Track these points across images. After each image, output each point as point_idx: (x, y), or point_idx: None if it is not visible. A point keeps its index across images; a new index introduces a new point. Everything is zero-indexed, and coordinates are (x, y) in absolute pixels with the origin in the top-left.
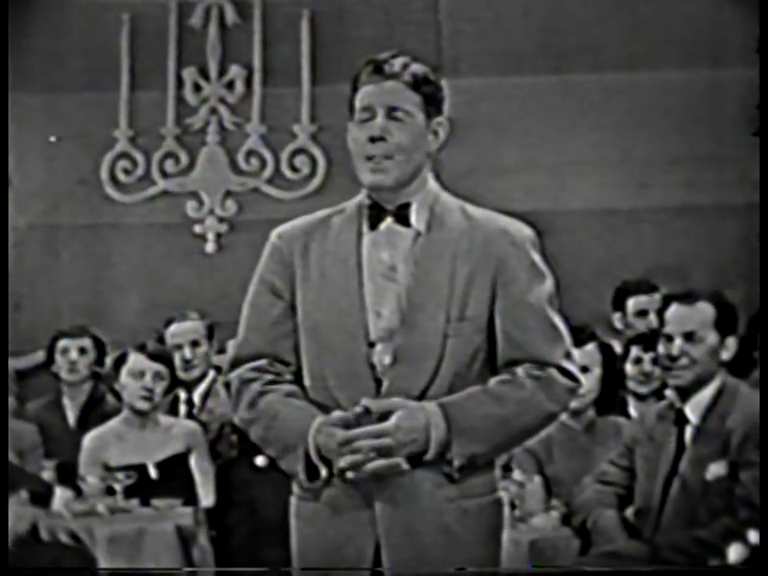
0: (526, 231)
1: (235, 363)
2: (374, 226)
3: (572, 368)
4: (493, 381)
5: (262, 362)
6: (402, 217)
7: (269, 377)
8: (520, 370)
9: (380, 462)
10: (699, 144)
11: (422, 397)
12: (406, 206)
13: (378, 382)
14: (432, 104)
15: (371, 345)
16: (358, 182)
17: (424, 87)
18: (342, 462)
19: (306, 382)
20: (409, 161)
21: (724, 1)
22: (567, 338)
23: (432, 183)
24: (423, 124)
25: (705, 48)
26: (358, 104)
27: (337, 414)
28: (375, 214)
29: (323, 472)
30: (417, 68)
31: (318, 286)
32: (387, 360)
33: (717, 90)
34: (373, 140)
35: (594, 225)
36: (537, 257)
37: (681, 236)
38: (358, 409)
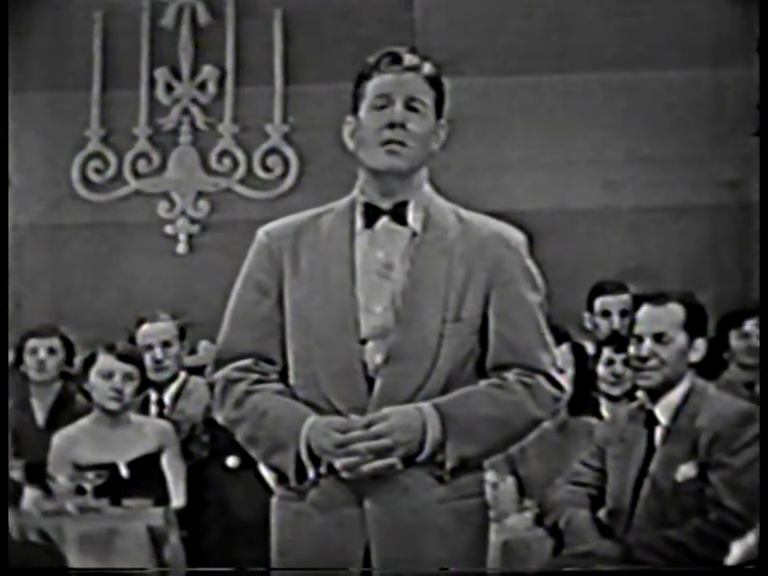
0: (519, 236)
1: (219, 363)
2: (369, 224)
3: (559, 377)
4: (484, 383)
5: (248, 362)
6: (399, 215)
7: (255, 376)
8: (511, 375)
9: (377, 464)
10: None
11: (414, 397)
12: (403, 204)
13: (370, 381)
14: (441, 103)
15: (363, 342)
16: (370, 167)
17: (438, 85)
18: (338, 464)
19: (292, 380)
20: (421, 151)
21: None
22: (553, 346)
23: (426, 186)
24: (433, 120)
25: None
26: (371, 92)
27: (334, 418)
28: (371, 212)
29: (311, 473)
30: (431, 66)
31: (309, 283)
32: (379, 358)
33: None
34: (392, 125)
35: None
36: (530, 262)
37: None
38: (354, 417)
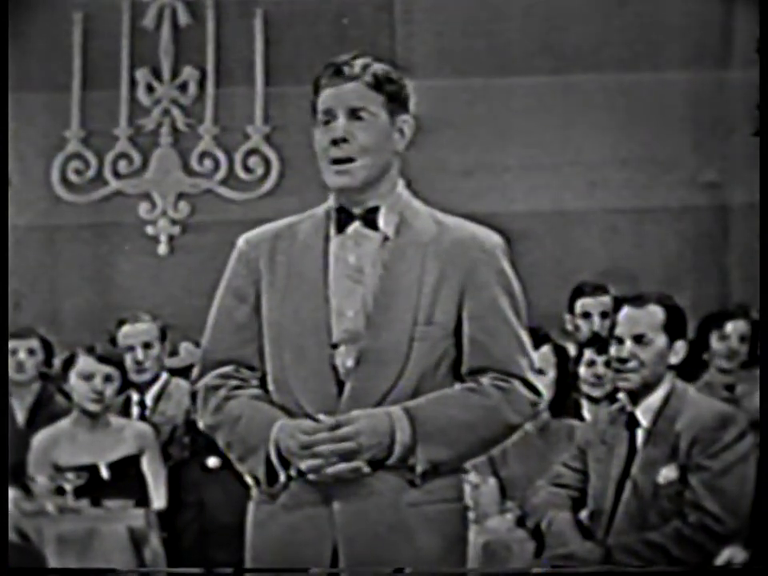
0: (496, 239)
1: (202, 372)
2: (341, 229)
3: (536, 382)
4: (458, 387)
5: (228, 369)
6: (370, 220)
7: (234, 383)
8: (485, 380)
9: (341, 466)
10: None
11: (384, 400)
12: (374, 209)
13: (341, 385)
14: (396, 102)
15: (334, 346)
16: (324, 184)
17: (386, 86)
18: (304, 466)
19: (270, 385)
20: (374, 161)
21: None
22: (531, 350)
23: (402, 188)
24: (387, 123)
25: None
26: (319, 107)
27: (303, 421)
28: (343, 217)
29: (282, 476)
30: (378, 68)
31: (284, 288)
32: (350, 362)
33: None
34: (335, 142)
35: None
36: (506, 265)
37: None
38: (322, 416)
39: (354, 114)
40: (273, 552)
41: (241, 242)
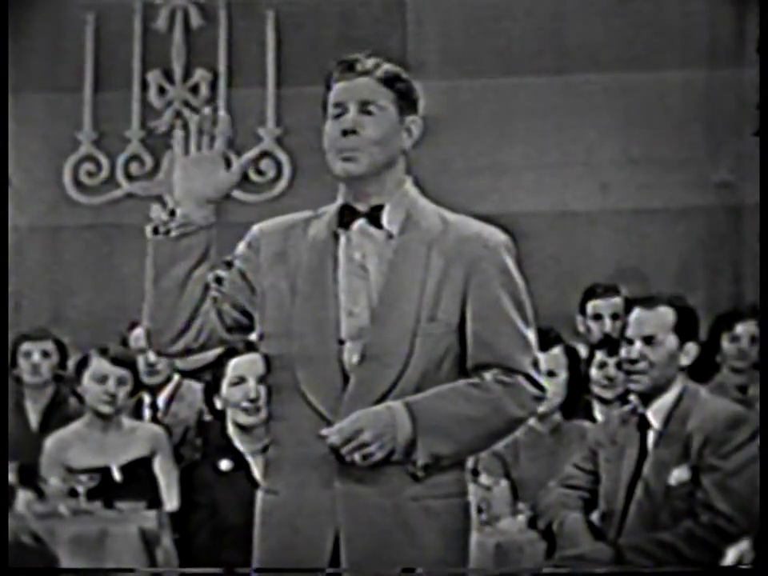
0: (501, 236)
1: None
2: (346, 226)
3: (538, 377)
4: (461, 383)
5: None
6: (374, 218)
7: None
8: (488, 375)
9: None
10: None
11: (387, 396)
12: (379, 207)
13: (346, 379)
14: (405, 101)
15: (342, 342)
16: (333, 180)
17: (396, 84)
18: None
19: (275, 370)
20: (381, 152)
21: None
22: (535, 346)
23: (409, 186)
24: (396, 120)
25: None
26: (330, 102)
27: None
28: (348, 214)
29: None
30: (389, 67)
31: (292, 283)
32: (356, 358)
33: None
34: (345, 133)
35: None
36: (510, 262)
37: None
38: (324, 431)
39: (364, 107)
40: (278, 540)
41: (255, 228)
